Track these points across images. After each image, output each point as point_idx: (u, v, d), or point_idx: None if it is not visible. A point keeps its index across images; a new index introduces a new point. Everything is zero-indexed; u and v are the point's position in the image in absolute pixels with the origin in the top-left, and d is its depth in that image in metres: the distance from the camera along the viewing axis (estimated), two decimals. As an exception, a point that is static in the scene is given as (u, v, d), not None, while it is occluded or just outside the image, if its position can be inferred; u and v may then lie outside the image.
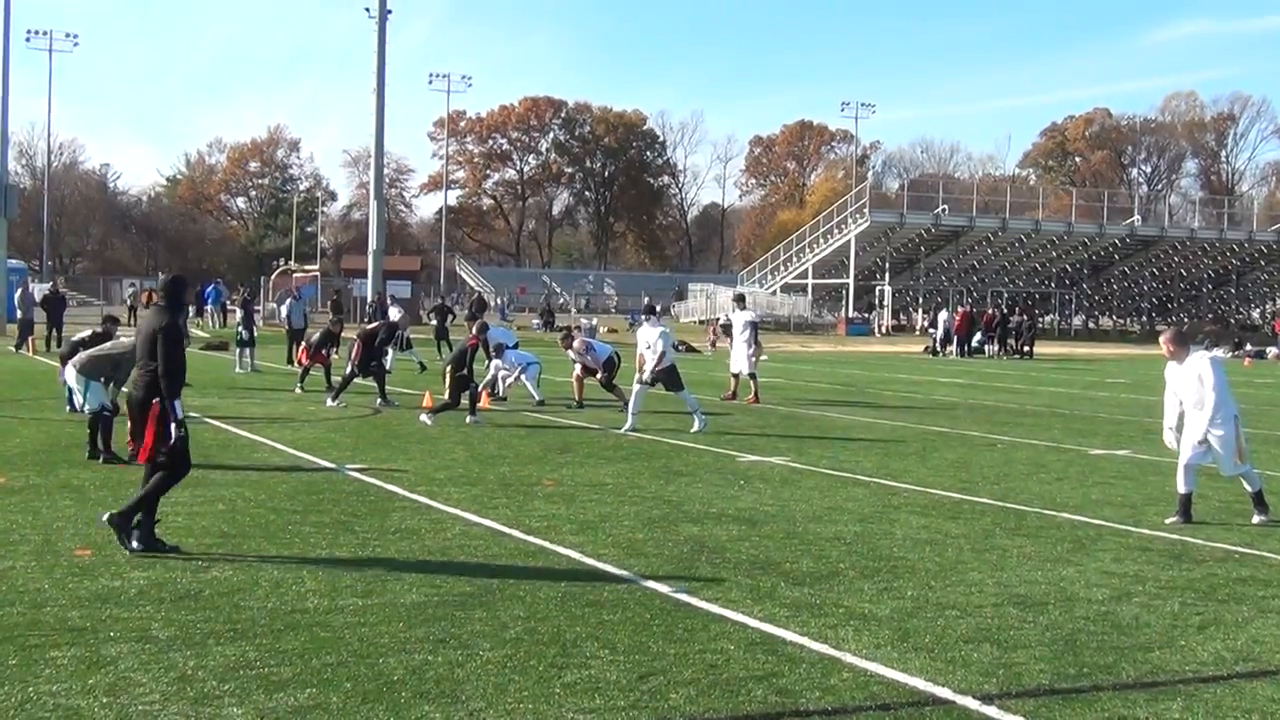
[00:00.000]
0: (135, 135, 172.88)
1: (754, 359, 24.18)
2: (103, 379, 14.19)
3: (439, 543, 10.02)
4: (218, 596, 8.10)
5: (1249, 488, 12.06)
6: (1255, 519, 11.84)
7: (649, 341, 19.16)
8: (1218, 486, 13.74)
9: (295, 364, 31.40)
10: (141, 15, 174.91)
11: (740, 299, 26.91)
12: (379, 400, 21.60)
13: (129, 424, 9.68)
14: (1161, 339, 12.44)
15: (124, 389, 14.59)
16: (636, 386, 19.01)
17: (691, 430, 18.31)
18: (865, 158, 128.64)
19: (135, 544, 9.33)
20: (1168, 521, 11.74)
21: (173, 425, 9.23)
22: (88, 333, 18.05)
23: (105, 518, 9.49)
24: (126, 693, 6.18)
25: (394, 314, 35.11)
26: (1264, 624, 8.08)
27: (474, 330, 21.38)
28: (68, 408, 18.27)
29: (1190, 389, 11.95)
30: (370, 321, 38.30)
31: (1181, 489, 11.91)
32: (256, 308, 35.41)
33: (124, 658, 6.74)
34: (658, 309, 20.55)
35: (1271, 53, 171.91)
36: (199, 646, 6.97)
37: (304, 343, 26.03)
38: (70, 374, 14.44)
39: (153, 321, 9.47)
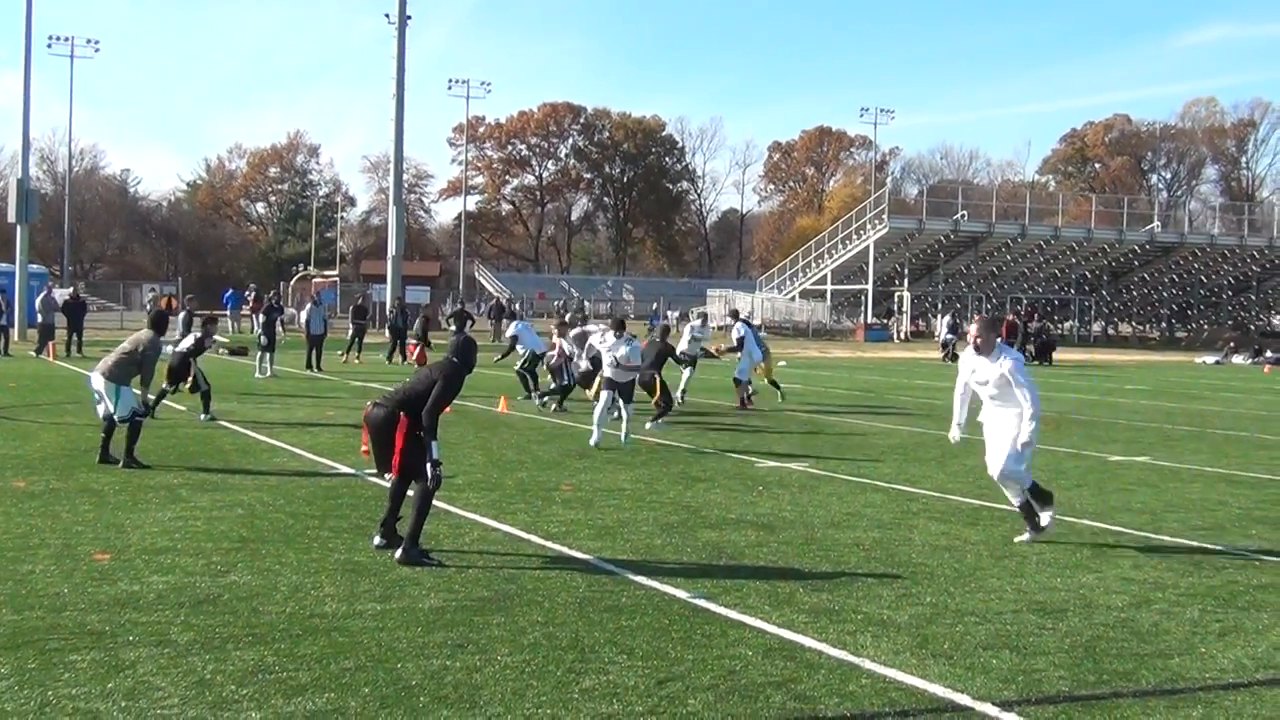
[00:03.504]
0: (156, 141, 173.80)
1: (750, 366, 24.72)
2: (131, 382, 14.19)
3: (457, 548, 10.03)
4: (236, 601, 8.12)
5: (1015, 497, 10.96)
6: (1023, 537, 10.89)
7: (614, 352, 17.91)
8: (1238, 494, 13.69)
9: (314, 369, 31.67)
10: (162, 21, 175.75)
11: (734, 314, 28.09)
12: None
13: (365, 438, 9.92)
14: (971, 327, 11.23)
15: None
16: (605, 395, 17.79)
17: (622, 442, 17.41)
18: (884, 164, 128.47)
19: (393, 551, 9.59)
20: (1018, 540, 10.84)
21: (429, 466, 9.57)
22: (181, 335, 18.98)
23: (397, 557, 9.43)
24: (145, 696, 6.20)
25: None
26: (1285, 632, 8.04)
27: (565, 332, 22.00)
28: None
29: (995, 385, 10.80)
30: (393, 325, 38.43)
31: (1016, 500, 10.93)
32: (281, 315, 35.39)
33: (143, 662, 6.76)
34: (625, 324, 19.13)
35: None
36: (218, 651, 6.99)
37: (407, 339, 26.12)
38: (99, 382, 14.30)
39: (440, 371, 9.84)
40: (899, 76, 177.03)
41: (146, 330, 14.83)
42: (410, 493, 9.75)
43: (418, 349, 25.93)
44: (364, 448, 10.08)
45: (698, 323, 28.21)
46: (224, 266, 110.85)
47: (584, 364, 21.17)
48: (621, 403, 17.76)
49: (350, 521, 11.04)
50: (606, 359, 18.17)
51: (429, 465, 9.54)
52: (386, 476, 10.06)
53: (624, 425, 17.71)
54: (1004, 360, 10.81)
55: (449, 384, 9.76)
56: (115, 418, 14.20)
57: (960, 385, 11.43)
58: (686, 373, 24.92)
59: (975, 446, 18.30)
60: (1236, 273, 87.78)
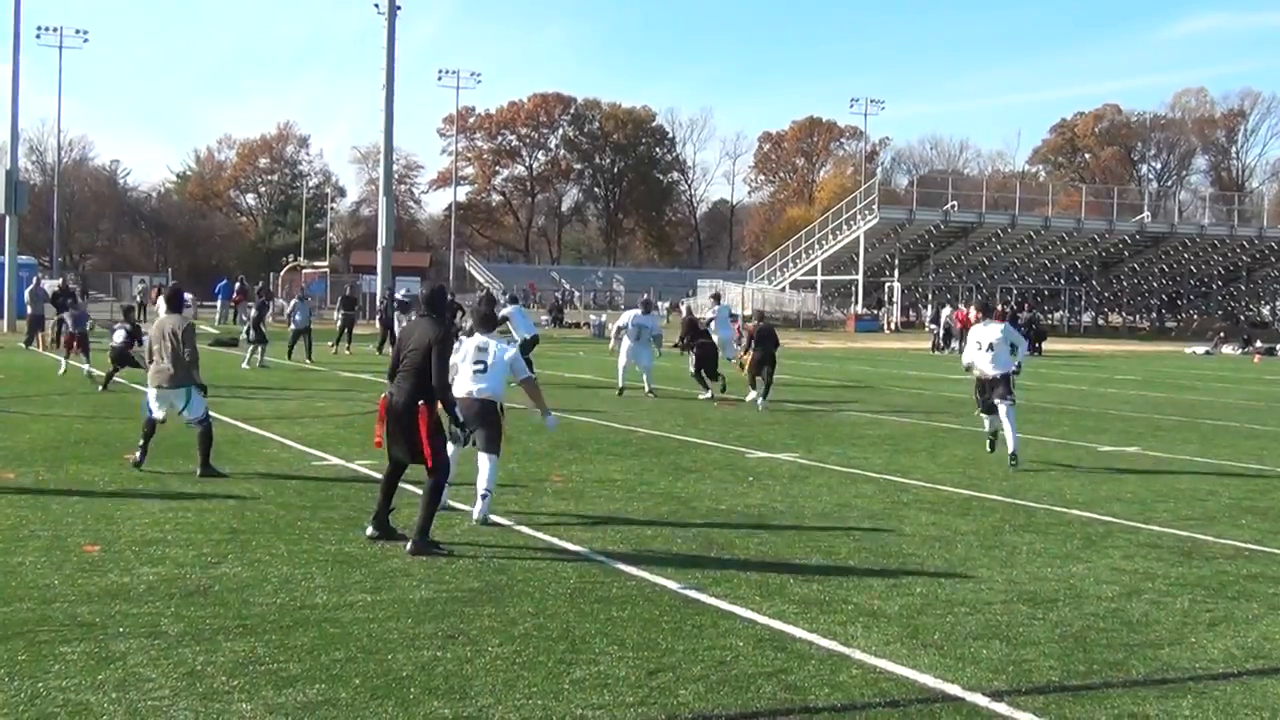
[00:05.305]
0: (145, 132, 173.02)
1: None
2: (194, 377, 13.17)
3: (447, 539, 10.01)
4: (227, 592, 8.11)
5: None
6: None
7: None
8: (1228, 484, 13.71)
9: (291, 358, 31.82)
10: (151, 11, 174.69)
11: (716, 297, 29.24)
12: None
13: (383, 427, 9.82)
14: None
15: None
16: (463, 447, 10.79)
17: (474, 517, 10.76)
18: (874, 154, 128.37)
19: (385, 542, 9.65)
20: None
21: (454, 428, 9.77)
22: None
23: (409, 549, 9.37)
24: (136, 688, 6.19)
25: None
26: (1274, 621, 8.06)
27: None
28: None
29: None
30: (384, 317, 38.41)
31: None
32: (270, 303, 35.57)
33: (133, 653, 6.74)
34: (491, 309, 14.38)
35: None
36: (208, 642, 6.98)
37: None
38: (156, 394, 13.17)
39: (427, 333, 9.72)
40: (889, 66, 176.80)
41: (166, 316, 13.47)
42: (414, 489, 9.74)
43: None
44: (377, 439, 10.02)
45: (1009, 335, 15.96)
46: (214, 257, 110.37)
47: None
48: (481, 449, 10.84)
49: (340, 512, 11.03)
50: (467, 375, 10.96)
51: (455, 429, 9.71)
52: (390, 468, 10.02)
53: (480, 486, 10.83)
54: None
55: (443, 344, 9.77)
56: (191, 421, 13.15)
57: None
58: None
59: (966, 437, 18.38)
60: (1226, 263, 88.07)
